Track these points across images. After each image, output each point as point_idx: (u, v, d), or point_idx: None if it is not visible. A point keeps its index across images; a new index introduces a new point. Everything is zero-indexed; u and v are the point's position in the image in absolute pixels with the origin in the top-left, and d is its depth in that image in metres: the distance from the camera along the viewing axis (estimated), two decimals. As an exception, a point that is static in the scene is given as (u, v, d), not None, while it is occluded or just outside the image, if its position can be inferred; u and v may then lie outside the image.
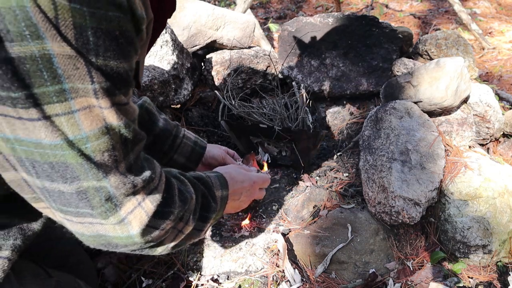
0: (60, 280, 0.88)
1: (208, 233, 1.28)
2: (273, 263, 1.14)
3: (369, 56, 1.76)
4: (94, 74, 0.55)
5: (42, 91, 0.52)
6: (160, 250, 0.74)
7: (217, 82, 1.85)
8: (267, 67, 1.91)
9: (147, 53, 0.86)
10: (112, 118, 0.59)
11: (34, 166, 0.58)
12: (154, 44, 0.92)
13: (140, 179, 0.66)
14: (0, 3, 0.47)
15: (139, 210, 0.66)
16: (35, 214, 0.73)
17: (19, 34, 0.49)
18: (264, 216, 1.36)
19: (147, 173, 0.68)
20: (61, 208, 0.63)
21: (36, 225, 0.75)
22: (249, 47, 2.01)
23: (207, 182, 0.92)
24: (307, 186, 1.43)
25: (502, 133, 1.70)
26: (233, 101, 1.75)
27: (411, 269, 1.21)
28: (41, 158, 0.57)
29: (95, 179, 0.60)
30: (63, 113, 0.55)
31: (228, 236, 1.26)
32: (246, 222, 1.30)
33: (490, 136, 1.61)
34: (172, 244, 0.76)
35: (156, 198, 0.70)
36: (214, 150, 1.30)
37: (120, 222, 0.65)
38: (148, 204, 0.68)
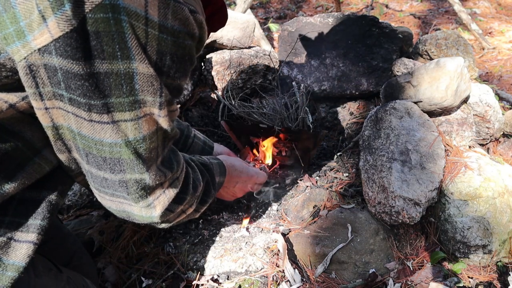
0: (70, 276, 0.89)
1: (208, 233, 1.28)
2: (273, 263, 1.14)
3: (369, 56, 1.76)
4: (164, 90, 0.64)
5: (119, 101, 0.60)
6: (164, 225, 0.84)
7: (217, 82, 1.85)
8: (267, 67, 1.91)
9: None
10: (165, 124, 0.69)
11: (87, 156, 0.66)
12: None
13: (169, 171, 0.75)
14: (101, 27, 0.53)
15: (163, 196, 0.76)
16: (65, 186, 0.80)
17: (112, 53, 0.56)
18: (264, 216, 1.36)
19: (174, 165, 0.77)
20: (99, 188, 0.72)
21: (61, 200, 0.80)
22: (249, 47, 2.01)
23: (211, 170, 1.01)
24: (307, 186, 1.43)
25: (502, 133, 1.70)
26: (233, 101, 1.75)
27: (411, 269, 1.21)
28: (97, 152, 0.65)
29: (139, 172, 0.69)
30: (130, 119, 0.63)
31: (228, 236, 1.26)
32: (245, 223, 1.30)
33: (490, 136, 1.61)
34: (174, 222, 0.85)
35: (177, 186, 0.79)
36: (219, 148, 1.43)
37: (148, 206, 0.74)
38: (170, 192, 0.77)
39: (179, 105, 1.77)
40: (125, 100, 0.61)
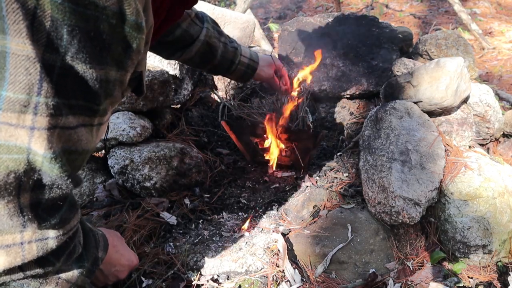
0: None
1: (208, 233, 1.28)
2: (273, 263, 1.14)
3: (369, 56, 1.76)
4: (45, 84, 0.47)
5: None
6: None
7: (217, 82, 1.85)
8: (267, 67, 1.91)
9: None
10: (39, 145, 0.49)
11: None
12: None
13: (40, 220, 0.55)
14: None
15: (16, 249, 0.55)
16: None
17: None
18: (264, 216, 1.36)
19: (54, 220, 0.57)
20: None
21: None
22: (249, 47, 2.01)
23: (97, 261, 0.79)
24: (307, 186, 1.43)
25: (502, 133, 1.70)
26: (232, 101, 1.75)
27: (411, 269, 1.21)
28: None
29: None
30: None
31: (228, 236, 1.26)
32: (245, 225, 1.30)
33: (490, 136, 1.61)
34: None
35: (45, 248, 0.57)
36: (264, 68, 1.42)
37: None
38: (32, 249, 0.56)
39: (178, 105, 1.77)
40: None
